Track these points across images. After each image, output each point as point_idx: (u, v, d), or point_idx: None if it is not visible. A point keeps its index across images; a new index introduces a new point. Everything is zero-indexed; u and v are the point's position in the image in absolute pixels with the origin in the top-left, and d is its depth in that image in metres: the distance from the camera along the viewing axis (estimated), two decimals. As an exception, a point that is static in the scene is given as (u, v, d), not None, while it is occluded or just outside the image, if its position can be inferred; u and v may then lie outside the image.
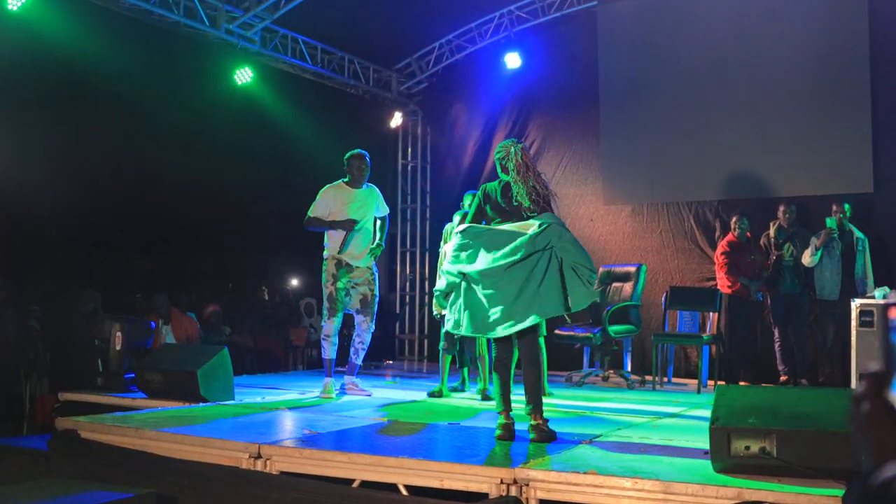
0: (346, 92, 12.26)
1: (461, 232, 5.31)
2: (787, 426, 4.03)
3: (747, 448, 4.03)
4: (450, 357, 7.85)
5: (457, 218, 7.61)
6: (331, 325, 7.47)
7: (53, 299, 9.50)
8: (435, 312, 7.92)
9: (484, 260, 5.13)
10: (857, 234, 8.80)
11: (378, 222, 7.76)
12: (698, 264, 10.26)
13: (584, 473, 4.08)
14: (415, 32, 12.02)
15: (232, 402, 6.82)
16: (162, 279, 11.02)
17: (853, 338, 7.81)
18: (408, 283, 13.18)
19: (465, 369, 8.11)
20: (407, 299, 13.18)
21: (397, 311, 13.08)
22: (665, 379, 9.26)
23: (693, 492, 3.85)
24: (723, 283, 9.26)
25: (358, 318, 7.59)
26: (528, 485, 4.13)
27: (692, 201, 10.47)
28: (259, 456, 4.78)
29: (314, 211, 7.49)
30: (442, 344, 7.79)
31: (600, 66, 11.12)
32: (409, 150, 13.26)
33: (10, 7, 8.57)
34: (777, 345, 9.24)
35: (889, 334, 1.36)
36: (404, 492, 4.40)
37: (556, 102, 11.53)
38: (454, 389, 7.92)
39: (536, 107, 11.75)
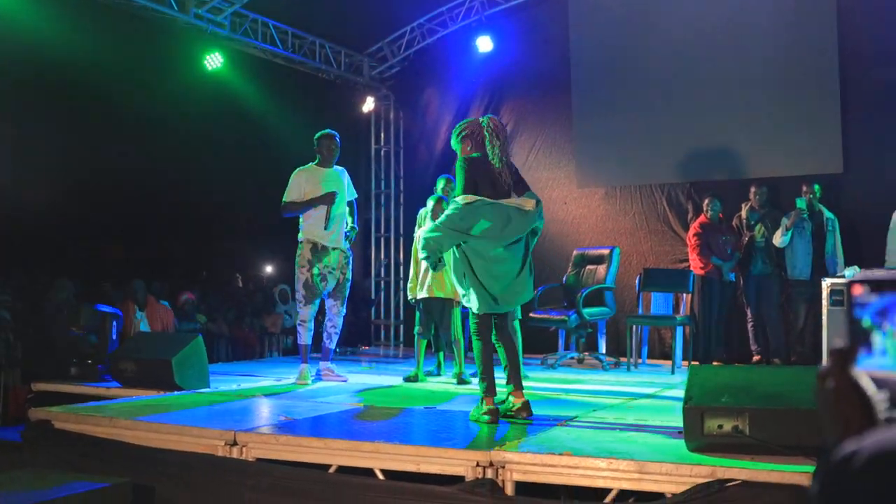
0: (318, 77, 12.20)
1: (469, 203, 5.15)
2: (759, 405, 4.07)
3: (720, 427, 4.07)
4: (425, 341, 7.85)
5: (430, 203, 7.60)
6: (307, 311, 7.45)
7: (25, 289, 9.42)
8: (410, 297, 7.93)
9: (496, 235, 5.11)
10: (827, 214, 8.88)
11: (348, 207, 7.74)
12: (671, 246, 10.32)
13: (560, 455, 4.10)
14: (386, 16, 11.96)
15: (207, 389, 6.80)
16: (135, 267, 10.94)
17: (824, 317, 7.88)
18: (382, 269, 13.17)
19: (441, 353, 8.13)
20: (382, 284, 13.17)
21: (372, 296, 13.07)
22: (640, 360, 9.32)
23: (667, 471, 3.89)
24: (695, 265, 9.32)
25: (329, 303, 7.57)
26: (503, 467, 4.15)
27: (665, 183, 10.53)
28: (235, 443, 4.77)
29: (289, 196, 7.45)
30: (417, 328, 7.80)
31: (572, 48, 11.13)
32: (382, 134, 13.22)
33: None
34: (750, 325, 9.32)
35: (854, 311, 1.38)
36: (381, 476, 4.40)
37: (529, 86, 11.53)
38: (430, 374, 7.93)
39: (509, 90, 11.74)
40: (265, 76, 11.49)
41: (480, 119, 5.42)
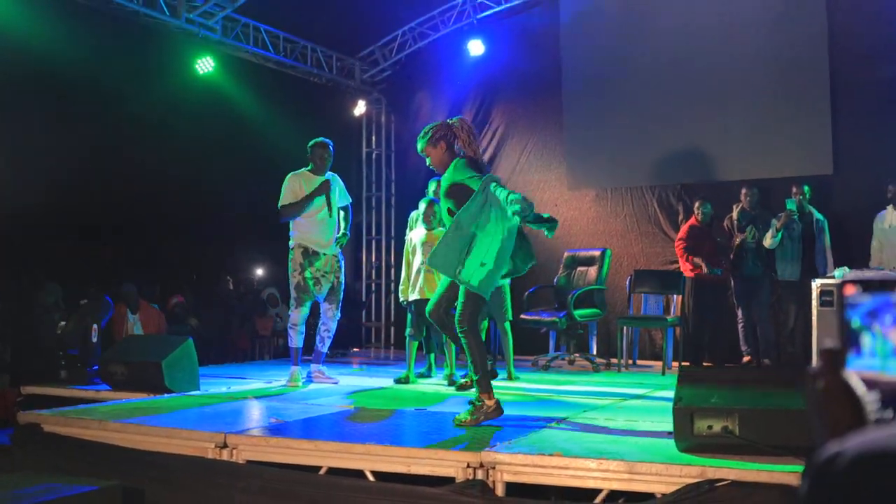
0: (309, 81, 12.20)
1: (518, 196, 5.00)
2: (748, 405, 4.08)
3: (710, 427, 4.08)
4: (416, 344, 7.86)
5: (422, 205, 7.61)
6: (298, 314, 7.45)
7: (13, 292, 9.38)
8: (401, 299, 7.93)
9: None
10: (817, 215, 8.90)
11: (342, 212, 7.74)
12: (662, 248, 10.34)
13: (550, 455, 4.11)
14: (377, 20, 11.96)
15: (197, 392, 6.78)
16: (125, 271, 10.91)
17: (814, 317, 7.90)
18: (373, 271, 13.17)
19: (432, 355, 8.13)
20: (373, 287, 13.17)
21: (363, 298, 13.07)
22: (630, 361, 9.34)
23: (657, 471, 3.89)
24: (685, 267, 9.33)
25: (324, 306, 7.58)
26: (494, 468, 4.15)
27: (655, 185, 10.55)
28: (225, 445, 4.76)
29: (285, 199, 7.43)
30: (408, 331, 7.80)
31: (563, 52, 11.16)
32: (374, 138, 13.23)
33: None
34: (740, 326, 9.33)
35: (845, 312, 1.38)
36: (371, 478, 4.40)
37: (520, 89, 11.55)
38: (421, 376, 7.93)
39: (500, 93, 11.76)
40: (257, 80, 11.48)
41: (448, 121, 5.41)
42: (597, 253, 9.36)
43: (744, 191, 9.37)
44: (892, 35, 9.26)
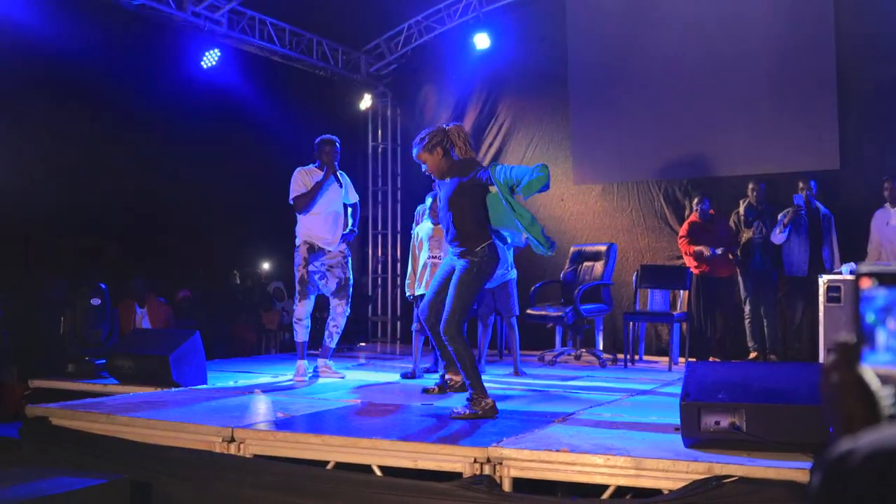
0: (315, 74, 12.19)
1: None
2: (756, 401, 4.08)
3: (717, 423, 4.08)
4: (423, 338, 7.86)
5: (429, 199, 7.60)
6: (303, 309, 7.45)
7: (20, 286, 9.40)
8: (408, 294, 7.93)
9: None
10: (824, 210, 8.88)
11: (349, 209, 7.76)
12: (668, 243, 10.32)
13: (557, 451, 4.11)
14: (383, 13, 11.95)
15: (204, 386, 6.80)
16: (131, 265, 10.92)
17: (821, 313, 7.89)
18: (380, 266, 13.18)
19: (438, 351, 8.11)
20: (379, 281, 13.17)
21: (369, 293, 13.08)
22: (637, 357, 9.34)
23: (664, 467, 3.89)
24: (691, 264, 9.32)
25: (334, 302, 7.58)
26: (501, 463, 4.15)
27: (662, 180, 10.53)
28: (232, 439, 4.77)
29: (296, 191, 7.45)
30: (415, 325, 7.80)
31: (569, 45, 11.14)
32: (380, 132, 13.22)
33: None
34: (747, 321, 9.32)
35: (860, 305, 1.37)
36: (378, 473, 4.41)
37: (526, 83, 11.53)
38: (427, 370, 7.93)
39: (506, 87, 11.74)
40: (262, 74, 11.47)
41: (444, 127, 5.43)
42: (603, 248, 9.35)
43: (750, 186, 9.36)
44: (899, 30, 9.24)
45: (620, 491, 4.02)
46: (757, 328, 9.25)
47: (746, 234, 9.14)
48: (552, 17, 11.26)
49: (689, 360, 8.40)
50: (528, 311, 8.82)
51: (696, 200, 9.41)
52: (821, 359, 7.81)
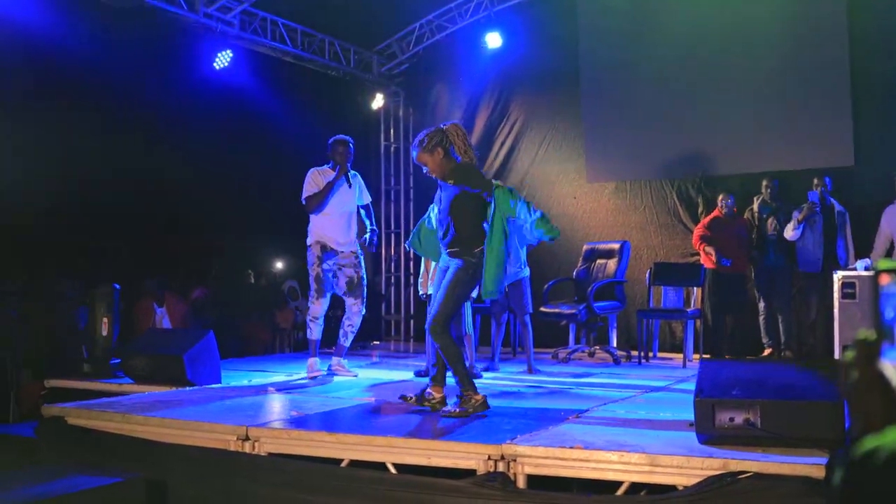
0: (327, 74, 12.21)
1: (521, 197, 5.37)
2: (770, 397, 4.06)
3: (731, 419, 4.07)
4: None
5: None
6: (317, 307, 7.48)
7: (34, 287, 9.45)
8: (421, 292, 7.94)
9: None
10: (838, 207, 8.84)
11: (362, 211, 7.78)
12: (682, 240, 10.30)
13: (571, 448, 4.11)
14: (395, 13, 11.96)
15: (219, 385, 6.82)
16: (145, 265, 10.98)
17: (835, 310, 7.87)
18: (393, 264, 13.19)
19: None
20: (392, 280, 13.19)
21: (383, 291, 13.09)
22: (650, 354, 9.31)
23: (678, 464, 3.89)
24: (704, 258, 9.29)
25: (349, 302, 7.59)
26: (515, 460, 4.15)
27: (675, 177, 10.50)
28: (247, 438, 4.78)
29: (308, 191, 7.48)
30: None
31: (581, 43, 11.12)
32: (392, 131, 13.24)
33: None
34: (761, 318, 9.29)
35: (879, 302, 1.36)
36: (393, 470, 4.42)
37: (538, 81, 11.51)
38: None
39: (518, 86, 11.73)
40: (274, 74, 11.50)
41: (442, 127, 5.41)
42: (616, 245, 9.34)
43: (764, 182, 9.33)
44: (913, 24, 9.19)
45: (635, 487, 4.01)
46: (771, 324, 9.22)
47: (772, 224, 9.05)
48: (564, 16, 11.24)
49: (703, 356, 8.39)
50: (542, 309, 8.82)
51: (720, 197, 9.33)
52: (836, 355, 7.78)
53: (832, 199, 8.86)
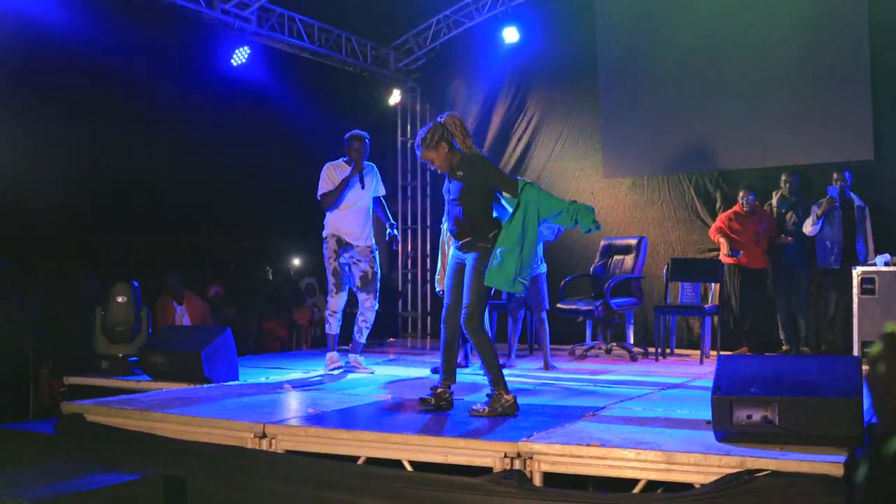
0: (344, 70, 12.21)
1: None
2: (788, 394, 4.04)
3: (749, 417, 4.05)
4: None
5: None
6: (336, 301, 7.51)
7: (55, 284, 9.52)
8: (438, 289, 7.93)
9: None
10: (858, 201, 8.78)
11: (379, 205, 7.79)
12: (699, 235, 10.25)
13: (588, 446, 4.10)
14: (412, 9, 11.95)
15: (236, 382, 6.85)
16: (164, 262, 11.03)
17: (855, 305, 7.83)
18: (409, 261, 13.19)
19: (468, 344, 8.11)
20: (409, 276, 13.19)
21: (399, 288, 13.10)
22: (668, 350, 9.29)
23: (696, 461, 3.87)
24: (723, 254, 9.22)
25: (361, 297, 7.61)
26: (531, 458, 4.15)
27: (692, 173, 10.46)
28: (264, 435, 4.80)
29: (324, 187, 7.51)
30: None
31: (598, 38, 11.08)
32: (409, 127, 13.22)
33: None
34: (779, 314, 9.24)
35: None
36: (409, 468, 4.42)
37: (555, 76, 11.49)
38: (458, 366, 7.92)
39: (535, 81, 11.70)
40: (292, 70, 11.51)
41: (439, 120, 5.39)
42: (633, 241, 9.31)
43: (783, 177, 9.27)
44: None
45: (651, 485, 4.00)
46: (790, 320, 9.16)
47: (791, 218, 8.99)
48: (581, 10, 11.20)
49: (721, 353, 8.35)
50: (559, 305, 8.80)
51: (741, 193, 9.25)
52: (855, 351, 7.74)
53: (852, 194, 8.80)
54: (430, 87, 12.85)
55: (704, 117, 10.31)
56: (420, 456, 4.42)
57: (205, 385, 6.57)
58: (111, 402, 5.75)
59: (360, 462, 4.55)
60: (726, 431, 4.11)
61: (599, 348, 9.15)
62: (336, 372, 7.42)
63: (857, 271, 7.76)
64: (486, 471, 4.20)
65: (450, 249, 7.50)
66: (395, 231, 7.86)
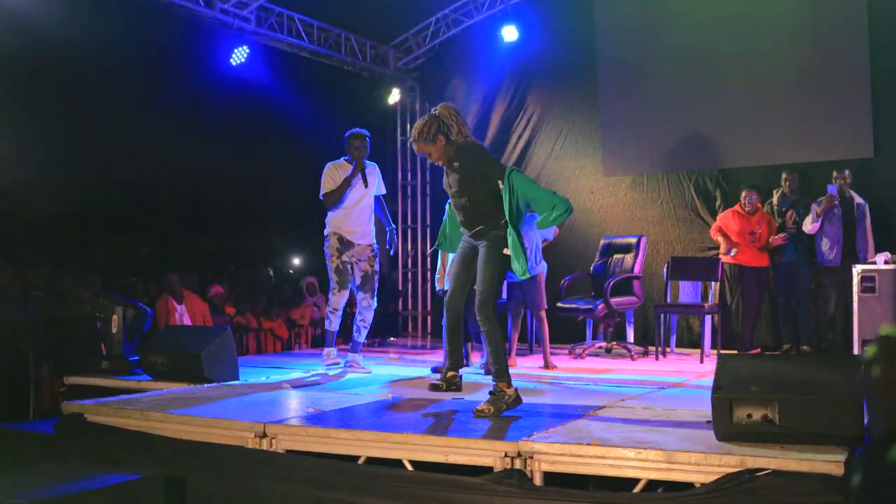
0: (344, 69, 12.21)
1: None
2: (789, 393, 4.04)
3: (750, 416, 4.04)
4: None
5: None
6: (339, 298, 7.52)
7: (55, 284, 9.51)
8: (438, 288, 7.94)
9: None
10: (858, 199, 8.77)
11: (378, 205, 7.79)
12: (699, 234, 10.25)
13: (588, 445, 4.10)
14: (411, 7, 11.96)
15: (237, 382, 6.85)
16: (164, 262, 11.03)
17: (855, 304, 7.83)
18: (410, 260, 13.19)
19: (468, 344, 8.11)
20: (409, 276, 13.19)
21: (400, 287, 13.10)
22: (668, 349, 9.29)
23: (696, 460, 3.87)
24: (723, 253, 9.21)
25: (359, 296, 7.62)
26: (531, 457, 4.15)
27: (692, 171, 10.46)
28: (264, 435, 4.80)
29: (326, 187, 7.51)
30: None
31: (597, 36, 11.08)
32: (408, 126, 13.20)
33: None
34: (780, 312, 9.24)
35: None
36: (410, 467, 4.42)
37: (555, 74, 11.49)
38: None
39: (534, 79, 11.70)
40: (291, 70, 11.52)
41: (434, 113, 5.36)
42: (633, 240, 9.31)
43: (784, 175, 9.26)
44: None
45: (652, 485, 4.00)
46: (790, 319, 9.16)
47: (791, 217, 8.98)
48: (580, 8, 11.20)
49: (721, 352, 8.35)
50: (559, 304, 8.81)
51: (743, 193, 9.23)
52: (855, 350, 7.74)
53: (852, 192, 8.79)
54: (430, 85, 12.85)
55: (704, 115, 10.31)
56: (421, 455, 4.42)
57: (205, 385, 6.57)
58: (111, 402, 5.75)
59: (360, 462, 4.54)
60: (727, 431, 4.10)
61: (599, 347, 9.15)
62: (333, 372, 7.41)
63: (857, 270, 7.75)
64: (487, 470, 4.20)
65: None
66: (396, 236, 7.86)
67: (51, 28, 8.90)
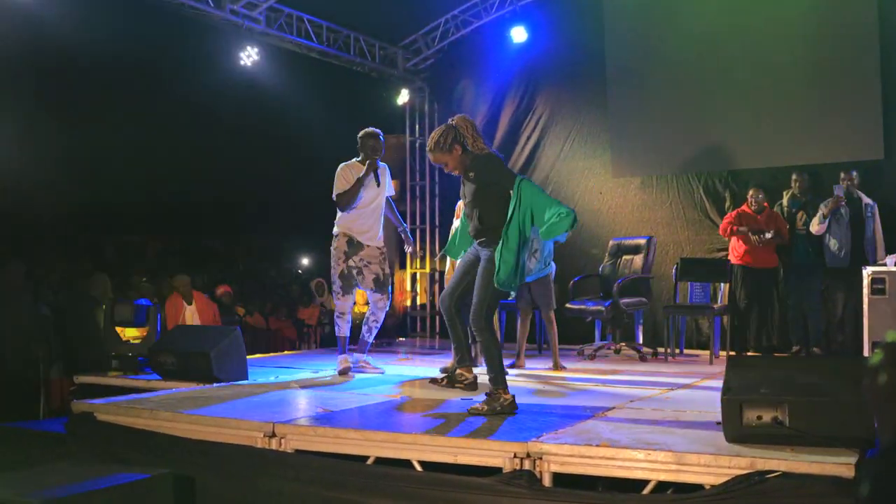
0: (353, 70, 12.23)
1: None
2: (799, 395, 4.02)
3: (759, 418, 4.03)
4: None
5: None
6: (344, 303, 7.47)
7: (65, 285, 9.55)
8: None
9: None
10: (867, 200, 8.74)
11: (387, 204, 7.77)
12: (709, 235, 10.23)
13: (597, 446, 4.09)
14: (420, 8, 11.97)
15: (246, 381, 6.85)
16: (173, 262, 11.06)
17: (865, 305, 7.79)
18: (418, 260, 13.20)
19: (475, 345, 8.09)
20: (418, 276, 13.19)
21: (409, 288, 13.10)
22: (677, 350, 9.26)
23: (705, 462, 3.86)
24: (732, 254, 9.18)
25: (374, 297, 7.54)
26: (541, 458, 4.14)
27: (702, 172, 10.43)
28: (274, 435, 4.80)
29: (339, 188, 7.39)
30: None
31: (607, 37, 11.07)
32: (417, 126, 13.23)
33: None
34: (789, 314, 9.21)
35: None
36: (419, 468, 4.42)
37: (563, 75, 11.48)
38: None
39: (543, 80, 11.70)
40: (300, 70, 11.55)
41: (451, 123, 5.38)
42: (642, 241, 9.29)
43: (794, 176, 9.24)
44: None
45: (661, 486, 3.99)
46: (800, 321, 9.13)
47: (801, 218, 8.95)
48: (589, 9, 11.19)
49: (731, 353, 8.33)
50: (567, 305, 8.79)
51: (751, 192, 9.22)
52: (865, 352, 7.71)
53: (860, 193, 8.76)
54: (439, 86, 12.85)
55: (713, 117, 10.29)
56: (430, 456, 4.42)
57: (214, 384, 6.58)
58: (121, 401, 5.76)
59: (369, 462, 4.54)
60: (736, 432, 4.09)
61: (608, 348, 9.13)
62: (344, 376, 7.37)
63: (867, 272, 7.72)
64: (496, 471, 4.19)
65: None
66: (409, 234, 7.85)
67: (56, 27, 8.93)
